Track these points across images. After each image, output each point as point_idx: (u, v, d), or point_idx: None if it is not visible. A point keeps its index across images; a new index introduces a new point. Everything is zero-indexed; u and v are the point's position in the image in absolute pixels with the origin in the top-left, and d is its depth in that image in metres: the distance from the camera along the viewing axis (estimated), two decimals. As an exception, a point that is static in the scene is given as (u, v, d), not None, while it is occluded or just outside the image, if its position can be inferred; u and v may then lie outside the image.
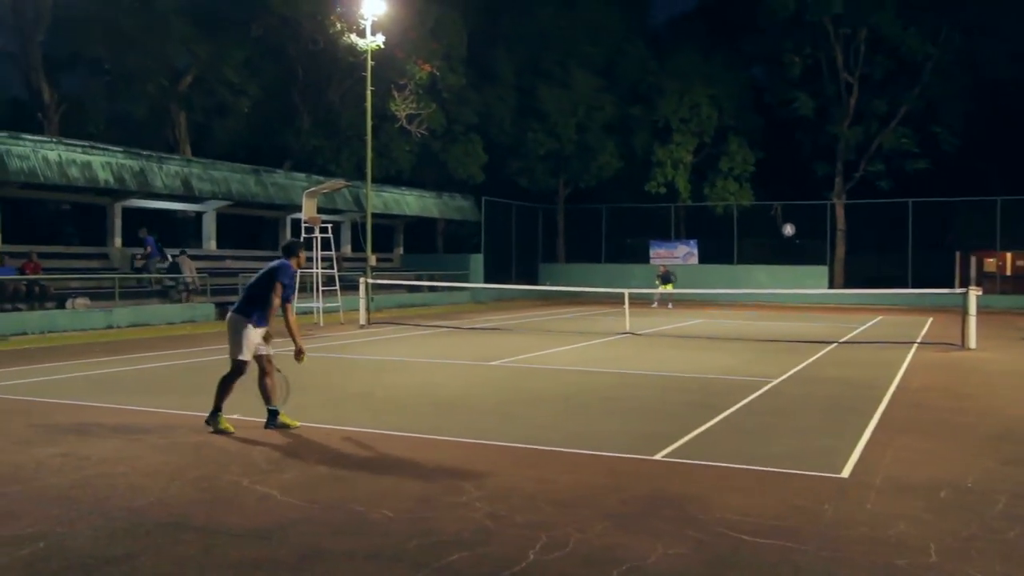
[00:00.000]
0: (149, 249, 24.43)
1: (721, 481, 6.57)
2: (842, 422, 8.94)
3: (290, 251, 8.55)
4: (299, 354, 8.33)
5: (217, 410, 8.25)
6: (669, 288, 30.94)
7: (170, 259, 24.66)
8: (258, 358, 8.36)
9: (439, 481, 6.47)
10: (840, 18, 36.89)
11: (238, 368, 8.28)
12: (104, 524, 5.46)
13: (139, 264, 24.54)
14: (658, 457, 7.29)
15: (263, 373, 8.39)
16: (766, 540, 5.15)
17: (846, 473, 6.77)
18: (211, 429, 8.20)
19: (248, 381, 8.45)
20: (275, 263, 8.38)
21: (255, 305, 8.25)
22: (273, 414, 8.39)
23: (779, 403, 10.23)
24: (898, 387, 11.50)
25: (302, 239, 22.34)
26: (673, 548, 5.01)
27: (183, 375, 12.68)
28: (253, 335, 8.25)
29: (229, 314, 8.43)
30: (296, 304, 22.18)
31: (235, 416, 8.75)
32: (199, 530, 5.36)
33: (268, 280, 8.23)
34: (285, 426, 8.33)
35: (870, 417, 9.18)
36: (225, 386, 8.31)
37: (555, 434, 8.23)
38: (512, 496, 6.08)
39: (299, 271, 8.60)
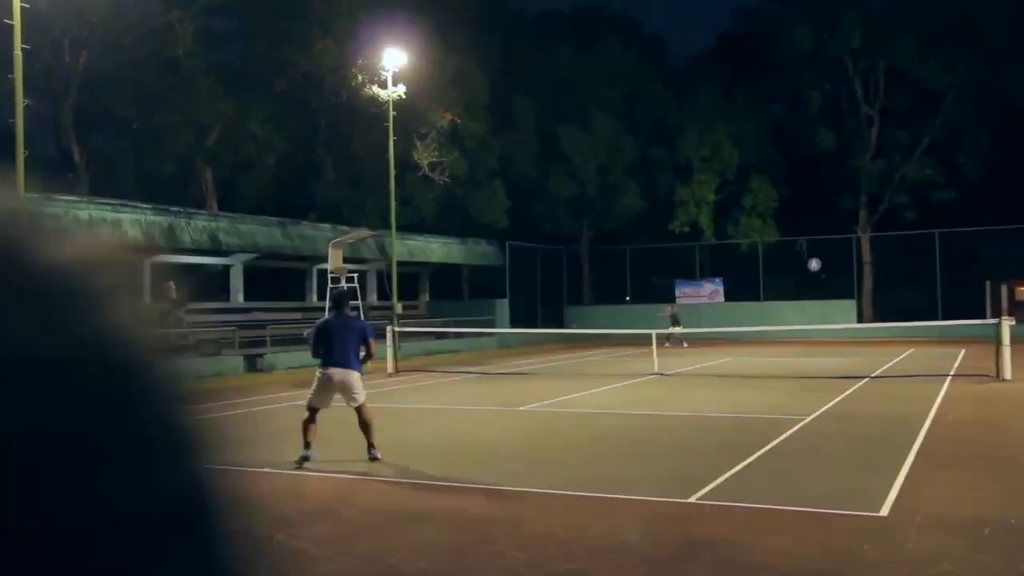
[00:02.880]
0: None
1: (757, 523, 6.49)
2: (878, 459, 8.81)
3: (341, 304, 9.54)
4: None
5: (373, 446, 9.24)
6: (679, 329, 30.69)
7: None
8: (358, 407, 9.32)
9: (473, 530, 6.43)
10: (858, 52, 37.01)
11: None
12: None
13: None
14: (692, 500, 7.20)
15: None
16: (807, 583, 5.06)
17: (885, 512, 6.66)
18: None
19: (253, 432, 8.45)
20: (362, 323, 9.87)
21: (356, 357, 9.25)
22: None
23: (813, 441, 10.10)
24: (934, 421, 11.32)
25: (329, 289, 22.53)
26: (712, 594, 4.94)
27: (212, 429, 12.71)
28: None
29: (345, 370, 9.08)
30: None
31: (264, 469, 8.75)
32: (234, 586, 5.35)
33: (362, 337, 9.27)
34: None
35: (907, 453, 9.04)
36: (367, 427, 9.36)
37: (587, 478, 8.17)
38: (547, 543, 6.03)
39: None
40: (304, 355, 24.70)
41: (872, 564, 5.43)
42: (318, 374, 9.17)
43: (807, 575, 5.19)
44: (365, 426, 9.27)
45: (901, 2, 37.99)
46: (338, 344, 9.04)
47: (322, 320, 9.61)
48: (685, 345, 30.50)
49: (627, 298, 41.56)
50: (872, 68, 37.85)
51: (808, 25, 36.93)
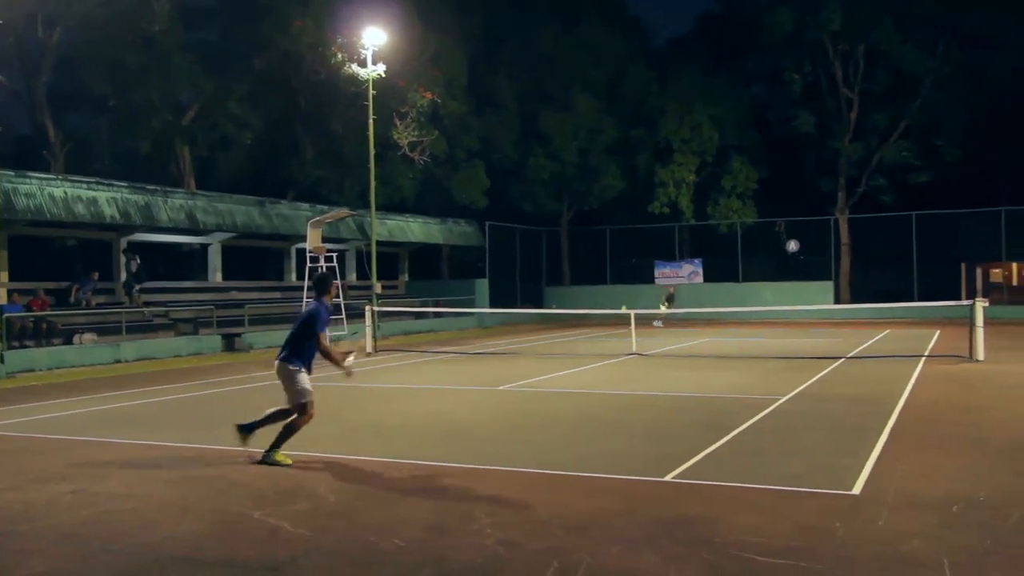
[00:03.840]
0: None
1: (732, 502, 6.56)
2: (852, 439, 8.92)
3: (323, 288, 8.58)
4: (348, 375, 8.77)
5: (275, 448, 8.24)
6: (667, 310, 30.86)
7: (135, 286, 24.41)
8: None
9: (450, 508, 6.47)
10: (838, 35, 37.10)
11: (303, 409, 8.29)
12: (116, 560, 5.46)
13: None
14: (668, 479, 7.28)
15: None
16: (779, 560, 5.13)
17: (857, 490, 6.75)
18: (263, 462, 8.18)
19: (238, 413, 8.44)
20: (310, 310, 8.44)
21: (301, 355, 8.31)
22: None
23: (788, 421, 10.21)
24: (907, 401, 11.46)
25: (307, 268, 22.46)
26: (686, 570, 5.00)
27: (191, 408, 12.70)
28: (307, 377, 8.33)
29: (277, 363, 8.35)
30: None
31: (243, 449, 8.76)
32: (211, 564, 5.37)
33: (307, 330, 8.29)
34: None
35: (880, 433, 9.15)
36: (291, 431, 8.29)
37: (565, 458, 8.22)
38: (524, 522, 6.07)
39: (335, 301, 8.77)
40: (281, 334, 24.69)
41: (844, 541, 5.51)
42: None
43: (780, 552, 5.26)
44: (285, 427, 8.28)
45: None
46: (290, 333, 8.52)
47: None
48: (657, 324, 30.54)
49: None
50: (852, 51, 37.98)
51: (789, 7, 36.95)
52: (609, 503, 6.57)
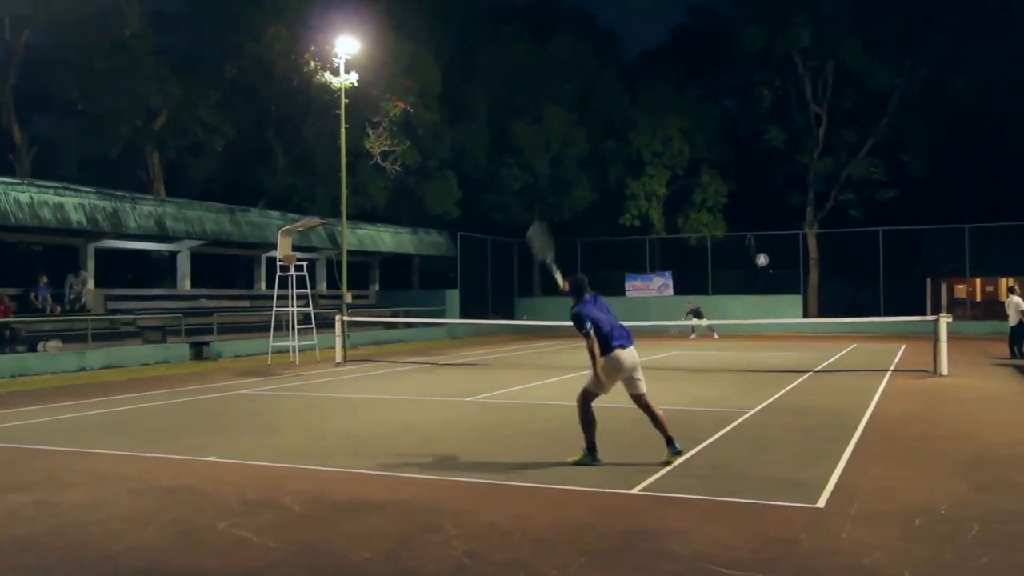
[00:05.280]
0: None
1: (698, 514, 6.60)
2: (818, 452, 9.00)
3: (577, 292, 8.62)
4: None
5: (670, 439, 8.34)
6: (703, 321, 31.40)
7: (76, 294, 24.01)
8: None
9: (417, 520, 6.45)
10: (808, 51, 37.60)
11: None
12: (79, 572, 5.40)
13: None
14: (635, 491, 7.30)
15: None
16: (743, 572, 5.17)
17: (822, 503, 6.82)
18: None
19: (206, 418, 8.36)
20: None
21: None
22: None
23: (755, 434, 10.28)
24: (872, 415, 11.59)
25: (276, 277, 22.33)
26: (651, 583, 5.02)
27: (157, 418, 12.56)
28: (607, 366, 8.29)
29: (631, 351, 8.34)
30: (272, 343, 21.97)
31: (210, 458, 8.69)
32: (174, 575, 5.31)
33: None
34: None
35: (845, 446, 9.25)
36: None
37: (532, 470, 8.22)
38: (490, 534, 6.07)
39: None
40: (250, 343, 24.61)
41: (807, 554, 5.56)
42: None
43: (744, 564, 5.30)
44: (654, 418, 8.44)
45: (850, 5, 38.68)
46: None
47: None
48: (715, 336, 32.03)
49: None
50: (821, 68, 38.48)
51: (759, 24, 37.38)
52: (576, 515, 6.59)
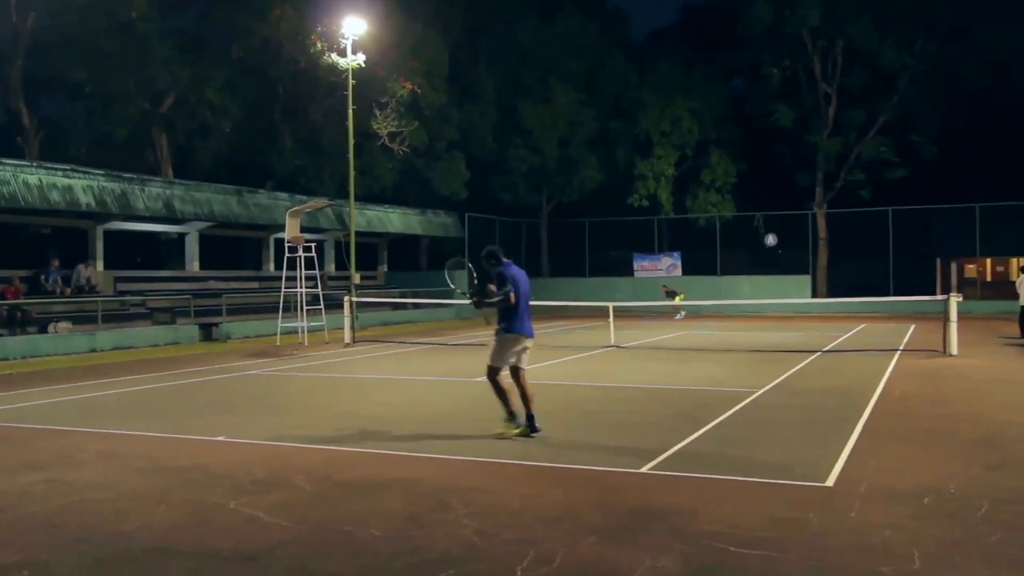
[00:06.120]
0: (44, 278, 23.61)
1: (707, 493, 6.61)
2: (826, 431, 9.00)
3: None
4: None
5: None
6: (681, 299, 31.46)
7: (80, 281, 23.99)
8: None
9: (426, 499, 6.47)
10: (817, 30, 37.26)
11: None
12: (90, 550, 5.44)
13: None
14: (644, 470, 7.31)
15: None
16: (752, 551, 5.18)
17: (831, 482, 6.82)
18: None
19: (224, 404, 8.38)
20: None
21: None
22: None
23: (763, 414, 10.28)
24: (881, 395, 11.57)
25: (285, 258, 22.36)
26: (660, 561, 5.04)
27: (167, 398, 12.62)
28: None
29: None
30: (281, 324, 22.04)
31: (220, 438, 8.73)
32: (186, 554, 5.35)
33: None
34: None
35: (854, 425, 9.24)
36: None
37: (541, 449, 8.24)
38: (499, 512, 6.09)
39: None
40: (259, 324, 24.66)
41: (816, 532, 5.56)
42: None
43: (753, 543, 5.31)
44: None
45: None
46: None
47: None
48: (679, 317, 31.62)
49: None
50: (830, 47, 38.17)
51: (767, 2, 37.06)
52: (585, 494, 6.60)
